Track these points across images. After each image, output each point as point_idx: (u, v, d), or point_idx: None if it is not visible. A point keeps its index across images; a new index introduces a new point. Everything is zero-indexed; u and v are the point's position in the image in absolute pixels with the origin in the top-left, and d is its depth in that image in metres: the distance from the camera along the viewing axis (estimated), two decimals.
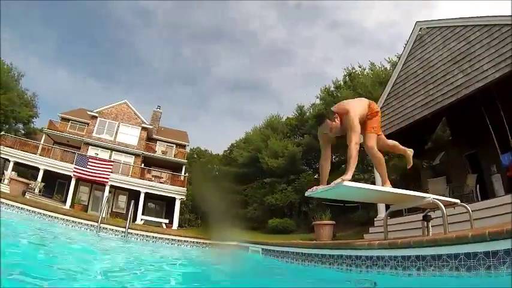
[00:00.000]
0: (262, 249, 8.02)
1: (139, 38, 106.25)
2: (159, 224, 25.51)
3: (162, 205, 35.17)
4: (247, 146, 45.77)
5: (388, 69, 32.42)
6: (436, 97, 11.69)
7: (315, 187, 3.67)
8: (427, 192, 5.05)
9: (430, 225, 4.64)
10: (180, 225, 29.83)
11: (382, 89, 27.10)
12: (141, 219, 26.43)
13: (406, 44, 14.54)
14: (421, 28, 13.38)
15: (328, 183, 3.69)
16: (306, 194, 3.79)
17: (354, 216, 24.04)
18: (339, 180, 3.37)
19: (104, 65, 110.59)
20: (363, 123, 4.09)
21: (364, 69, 36.73)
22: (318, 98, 40.75)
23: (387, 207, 12.25)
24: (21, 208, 10.80)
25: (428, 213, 4.73)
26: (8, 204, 10.79)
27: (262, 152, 39.60)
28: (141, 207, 28.34)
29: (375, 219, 13.14)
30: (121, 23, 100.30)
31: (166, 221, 27.91)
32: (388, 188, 3.93)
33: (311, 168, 38.94)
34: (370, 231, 13.02)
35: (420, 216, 6.14)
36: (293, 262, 6.06)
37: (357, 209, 25.02)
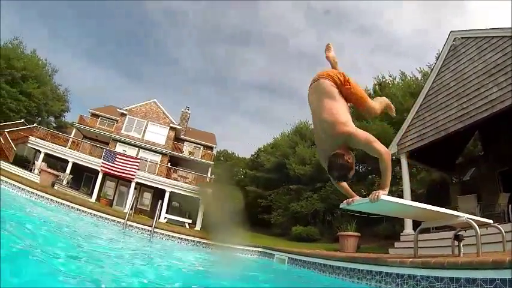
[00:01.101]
0: (289, 258, 7.97)
1: (170, 38, 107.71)
2: (182, 224, 25.71)
3: (188, 204, 35.40)
4: (274, 151, 45.67)
5: (419, 79, 31.78)
6: (469, 111, 11.34)
7: (350, 199, 3.59)
8: (456, 209, 4.96)
9: (461, 245, 4.55)
10: (203, 226, 29.95)
11: (412, 100, 26.66)
12: (165, 218, 26.66)
13: (439, 54, 14.26)
14: (455, 38, 13.00)
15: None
16: (340, 206, 3.75)
17: (378, 229, 23.53)
18: (377, 193, 3.24)
19: (135, 64, 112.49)
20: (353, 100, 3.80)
21: (395, 79, 36.11)
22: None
23: (414, 222, 12.03)
24: (51, 200, 11.05)
25: (460, 233, 4.64)
26: (38, 195, 11.08)
27: (289, 158, 39.41)
28: (166, 206, 28.55)
29: (401, 234, 12.77)
30: (153, 23, 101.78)
31: (190, 221, 28.07)
32: (425, 205, 3.85)
33: None
34: (395, 246, 12.65)
35: (448, 234, 5.99)
36: (320, 273, 6.01)
37: (382, 221, 24.38)
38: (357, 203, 3.48)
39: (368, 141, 3.19)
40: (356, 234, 11.32)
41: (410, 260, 3.84)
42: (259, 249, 10.58)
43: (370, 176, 32.69)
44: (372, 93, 37.31)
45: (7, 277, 2.15)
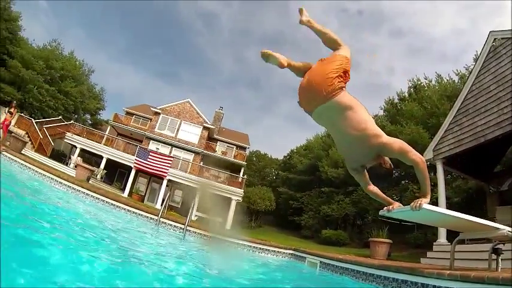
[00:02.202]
0: (321, 262, 7.88)
1: (205, 40, 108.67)
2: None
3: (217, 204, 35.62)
4: (307, 153, 45.49)
5: (456, 82, 30.92)
6: (510, 116, 10.91)
7: (390, 206, 3.48)
8: (494, 221, 4.81)
9: (500, 259, 4.40)
10: (233, 226, 30.12)
11: (449, 104, 26.07)
12: (195, 216, 26.90)
13: (477, 56, 13.75)
14: (495, 39, 12.34)
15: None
16: (380, 213, 3.66)
17: (409, 237, 23.00)
18: (419, 202, 3.13)
19: (170, 65, 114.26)
20: None
21: (430, 81, 35.09)
22: (381, 109, 39.53)
23: (448, 231, 11.65)
24: (86, 194, 11.34)
25: (499, 246, 4.48)
26: (75, 189, 11.41)
27: (322, 160, 39.11)
28: (197, 204, 28.84)
29: (434, 243, 12.26)
30: (189, 26, 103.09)
31: (220, 220, 28.22)
32: (467, 216, 3.73)
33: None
34: (428, 256, 12.20)
35: (483, 246, 5.81)
36: (352, 279, 5.94)
37: (413, 229, 23.84)
38: (398, 210, 3.39)
39: (402, 151, 3.06)
40: (388, 241, 11.11)
41: (448, 272, 3.74)
42: (291, 252, 10.52)
43: (403, 182, 32.04)
44: (406, 95, 36.59)
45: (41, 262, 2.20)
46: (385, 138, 3.05)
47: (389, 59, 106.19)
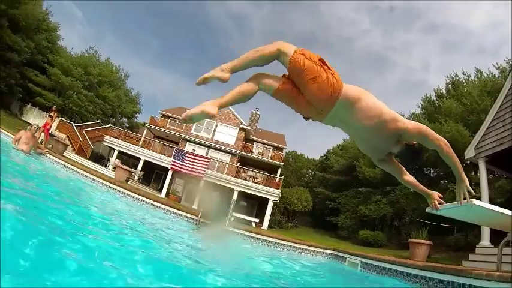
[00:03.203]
0: (362, 262, 7.80)
1: (237, 43, 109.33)
2: (249, 223, 25.93)
3: (254, 204, 35.70)
4: (344, 153, 44.97)
5: (497, 76, 29.74)
6: None
7: (437, 203, 3.22)
8: None
9: None
10: (269, 226, 30.11)
11: (490, 99, 25.26)
12: (233, 216, 27.04)
13: None
14: None
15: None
16: (427, 210, 3.50)
17: (449, 239, 22.05)
18: (466, 195, 2.94)
19: (203, 67, 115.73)
20: None
21: (469, 77, 33.45)
22: (418, 107, 38.31)
23: (492, 234, 11.20)
24: (127, 194, 11.64)
25: None
26: (116, 189, 11.76)
27: (359, 160, 38.57)
28: (233, 205, 28.95)
29: (477, 245, 11.68)
30: (221, 29, 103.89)
31: (257, 220, 28.25)
32: None
33: None
34: (470, 259, 11.65)
35: None
36: (397, 281, 5.84)
37: (453, 231, 23.04)
38: (445, 207, 3.26)
39: (422, 135, 2.80)
40: (427, 242, 10.80)
41: (497, 273, 3.64)
42: (331, 252, 10.46)
43: (442, 182, 31.23)
44: (444, 92, 35.60)
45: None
46: (403, 122, 2.82)
47: (424, 56, 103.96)
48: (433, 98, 36.60)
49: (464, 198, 2.95)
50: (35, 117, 35.74)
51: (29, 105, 40.19)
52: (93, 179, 12.13)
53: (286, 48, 2.66)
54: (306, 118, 2.93)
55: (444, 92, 35.46)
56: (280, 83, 2.75)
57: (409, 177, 3.28)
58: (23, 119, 37.45)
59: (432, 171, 33.63)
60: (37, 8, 38.65)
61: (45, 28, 40.95)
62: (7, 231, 2.07)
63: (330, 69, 2.67)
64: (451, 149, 2.81)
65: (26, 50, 37.54)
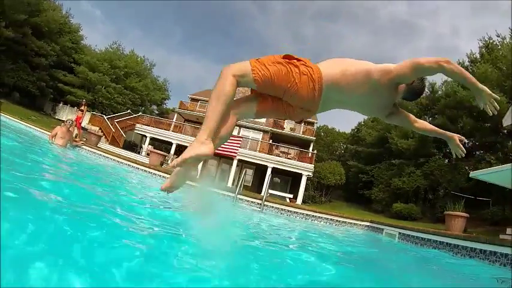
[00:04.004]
0: (399, 233, 7.75)
1: (261, 23, 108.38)
2: (283, 198, 26.07)
3: (288, 180, 35.86)
4: (375, 125, 44.21)
5: None
6: None
7: (461, 146, 2.94)
8: None
9: None
10: (303, 201, 30.21)
11: None
12: (267, 192, 27.20)
13: None
14: None
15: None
16: (471, 175, 3.39)
17: (485, 213, 21.31)
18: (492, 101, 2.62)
19: (228, 50, 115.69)
20: None
21: (504, 39, 30.83)
22: None
23: None
24: (163, 176, 11.91)
25: None
26: (151, 172, 12.09)
27: (391, 131, 37.78)
28: (267, 181, 29.13)
29: None
30: (243, 11, 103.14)
31: (291, 195, 28.34)
32: None
33: (441, 152, 34.81)
34: (507, 232, 11.33)
35: None
36: (441, 252, 5.77)
37: (488, 204, 22.14)
38: (493, 171, 3.13)
39: (417, 68, 2.50)
40: (464, 214, 10.43)
41: None
42: (367, 224, 10.43)
43: (477, 152, 30.35)
44: (478, 57, 33.75)
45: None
46: (393, 70, 2.56)
47: (452, 20, 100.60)
48: (466, 63, 34.56)
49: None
50: (67, 115, 37.32)
51: (60, 104, 43.04)
52: (128, 165, 12.68)
53: (242, 69, 2.44)
54: (299, 122, 2.78)
55: (478, 56, 33.24)
56: (257, 103, 2.63)
57: (421, 124, 3.05)
58: (56, 117, 39.89)
59: (467, 141, 32.72)
60: (57, 13, 41.46)
61: (68, 30, 43.76)
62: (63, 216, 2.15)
63: (299, 60, 2.48)
64: (454, 63, 2.49)
65: (52, 53, 40.25)
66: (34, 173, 4.20)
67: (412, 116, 2.99)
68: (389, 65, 2.60)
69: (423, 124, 3.03)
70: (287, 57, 2.46)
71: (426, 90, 30.62)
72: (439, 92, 35.92)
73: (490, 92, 2.52)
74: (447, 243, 5.51)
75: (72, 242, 1.84)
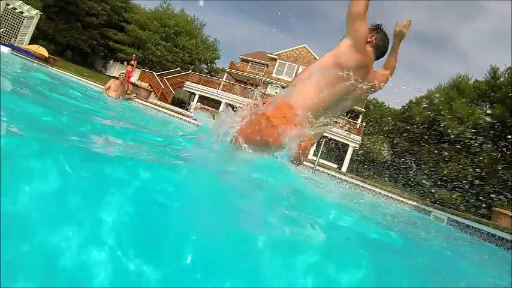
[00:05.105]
0: (448, 218, 7.49)
1: None
2: (329, 168, 25.94)
3: (333, 150, 35.68)
4: (428, 105, 42.72)
5: None
6: None
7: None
8: None
9: None
10: (347, 173, 30.00)
11: None
12: (318, 159, 27.11)
13: None
14: None
15: None
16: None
17: None
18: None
19: (279, 13, 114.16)
20: None
21: None
22: None
23: None
24: None
25: None
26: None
27: (444, 114, 36.23)
28: (313, 148, 28.93)
29: None
30: None
31: (335, 166, 28.13)
32: None
33: (495, 145, 33.73)
34: None
35: None
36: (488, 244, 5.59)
37: None
38: None
39: (348, 22, 2.56)
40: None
41: None
42: (414, 203, 10.13)
43: None
44: None
45: None
46: (339, 50, 2.59)
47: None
48: None
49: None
50: (118, 71, 38.53)
51: (111, 61, 45.40)
52: (179, 118, 13.08)
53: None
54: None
55: None
56: None
57: (389, 63, 3.12)
58: (107, 74, 41.76)
59: None
60: None
61: None
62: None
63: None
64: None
65: (103, 13, 42.23)
66: (96, 119, 4.28)
67: (388, 63, 3.11)
68: (333, 51, 2.63)
69: (389, 63, 3.11)
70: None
71: (486, 75, 29.03)
72: (501, 79, 34.07)
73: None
74: (499, 236, 5.29)
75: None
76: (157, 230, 1.38)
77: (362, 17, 2.51)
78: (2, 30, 19.63)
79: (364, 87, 2.68)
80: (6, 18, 20.35)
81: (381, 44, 2.73)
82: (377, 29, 2.74)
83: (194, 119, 10.75)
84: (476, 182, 31.65)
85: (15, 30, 21.00)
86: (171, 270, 1.24)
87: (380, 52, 2.78)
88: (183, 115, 13.30)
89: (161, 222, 1.45)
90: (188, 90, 35.88)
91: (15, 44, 19.78)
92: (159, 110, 13.71)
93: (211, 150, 2.95)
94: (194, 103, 32.69)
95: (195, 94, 34.54)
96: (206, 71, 53.46)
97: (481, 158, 29.61)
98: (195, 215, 1.56)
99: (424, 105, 43.40)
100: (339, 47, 2.58)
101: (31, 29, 21.68)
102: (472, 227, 6.36)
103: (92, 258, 1.14)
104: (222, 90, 34.30)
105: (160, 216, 1.48)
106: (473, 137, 29.96)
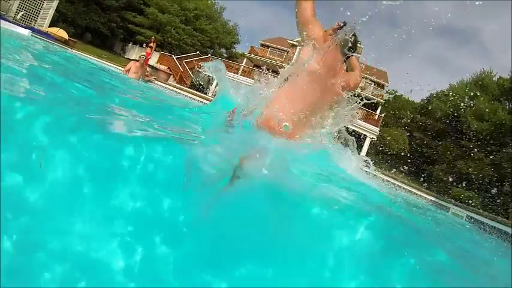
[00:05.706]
0: (467, 216, 7.35)
1: None
2: None
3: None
4: (448, 100, 41.90)
5: None
6: None
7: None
8: None
9: None
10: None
11: None
12: None
13: None
14: None
15: None
16: None
17: None
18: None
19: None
20: None
21: None
22: None
23: None
24: None
25: None
26: None
27: (465, 110, 35.62)
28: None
29: None
30: None
31: None
32: None
33: None
34: None
35: None
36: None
37: None
38: None
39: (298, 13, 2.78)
40: None
41: None
42: (432, 198, 9.97)
43: None
44: None
45: None
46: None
47: None
48: None
49: None
50: (136, 54, 38.40)
51: (130, 44, 45.20)
52: (197, 100, 13.31)
53: None
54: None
55: None
56: None
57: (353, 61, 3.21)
58: (126, 56, 41.87)
59: None
60: None
61: None
62: None
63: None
64: None
65: None
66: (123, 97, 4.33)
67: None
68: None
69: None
70: None
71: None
72: None
73: None
74: None
75: None
76: None
77: (312, 20, 2.72)
78: (21, 13, 19.71)
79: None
80: (27, 1, 20.49)
81: (343, 42, 2.86)
82: (340, 27, 2.87)
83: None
84: (494, 181, 31.16)
85: (35, 13, 21.12)
86: None
87: (346, 49, 2.94)
88: (202, 97, 13.62)
89: None
90: (207, 74, 35.43)
91: (36, 27, 19.89)
92: (178, 92, 13.86)
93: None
94: (213, 87, 32.63)
95: (213, 79, 34.25)
96: (225, 55, 53.34)
97: (500, 157, 28.99)
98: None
99: (448, 99, 42.41)
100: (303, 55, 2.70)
101: (51, 12, 21.75)
102: (491, 225, 6.27)
103: None
104: (241, 75, 34.31)
105: None
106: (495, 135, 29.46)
